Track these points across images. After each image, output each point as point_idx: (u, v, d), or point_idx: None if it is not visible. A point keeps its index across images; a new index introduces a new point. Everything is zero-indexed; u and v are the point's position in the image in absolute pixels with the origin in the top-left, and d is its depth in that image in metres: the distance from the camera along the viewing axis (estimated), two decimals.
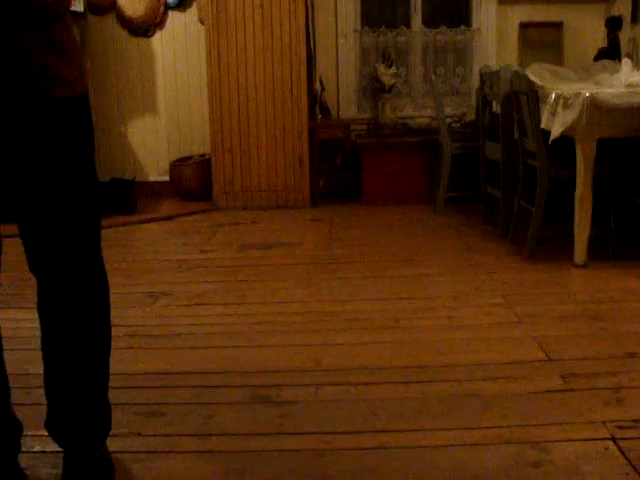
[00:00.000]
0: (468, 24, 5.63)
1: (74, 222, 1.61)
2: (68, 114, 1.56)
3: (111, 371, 2.37)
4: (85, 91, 1.60)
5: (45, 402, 2.02)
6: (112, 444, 1.91)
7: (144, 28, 5.39)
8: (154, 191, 5.57)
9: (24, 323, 2.87)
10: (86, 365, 1.73)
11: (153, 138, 5.57)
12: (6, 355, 2.54)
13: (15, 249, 3.76)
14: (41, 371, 2.39)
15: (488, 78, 4.31)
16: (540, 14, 5.49)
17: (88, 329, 1.70)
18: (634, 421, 1.94)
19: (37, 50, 1.47)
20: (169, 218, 4.90)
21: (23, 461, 1.82)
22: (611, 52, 4.98)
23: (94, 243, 1.67)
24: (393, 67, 5.43)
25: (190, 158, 5.43)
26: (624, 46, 5.02)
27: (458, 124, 5.27)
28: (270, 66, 4.94)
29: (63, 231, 1.60)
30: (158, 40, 5.44)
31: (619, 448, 1.81)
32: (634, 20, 4.97)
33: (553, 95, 3.35)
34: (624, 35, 5.04)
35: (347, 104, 5.59)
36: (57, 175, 1.56)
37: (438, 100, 4.91)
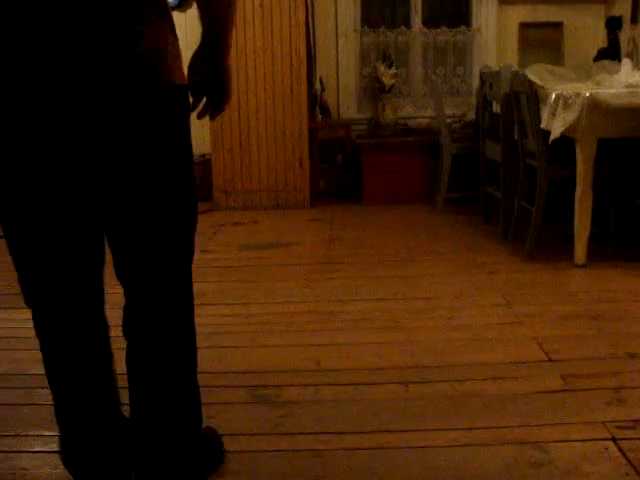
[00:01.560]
0: (468, 24, 5.64)
1: (167, 228, 1.45)
2: (166, 102, 1.39)
3: None
4: (179, 82, 1.42)
5: (44, 402, 2.05)
6: None
7: None
8: None
9: (25, 323, 2.87)
10: (170, 384, 1.55)
11: None
12: (6, 355, 2.55)
13: None
14: (40, 372, 2.39)
15: (488, 78, 4.31)
16: (540, 14, 5.49)
17: (172, 344, 1.52)
18: (634, 421, 1.94)
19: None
20: None
21: (23, 462, 1.83)
22: (611, 52, 4.98)
23: (186, 255, 1.52)
24: (393, 67, 5.43)
25: None
26: (624, 46, 5.02)
27: (458, 124, 5.26)
28: (270, 66, 4.94)
29: (154, 237, 1.44)
30: None
31: (619, 448, 1.80)
32: (634, 20, 4.98)
33: (553, 95, 3.35)
34: (624, 35, 5.04)
35: (347, 104, 5.59)
36: (155, 170, 1.40)
37: (438, 100, 4.91)
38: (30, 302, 1.55)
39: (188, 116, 1.47)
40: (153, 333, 1.50)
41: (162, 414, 1.54)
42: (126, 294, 1.50)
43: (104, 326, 1.59)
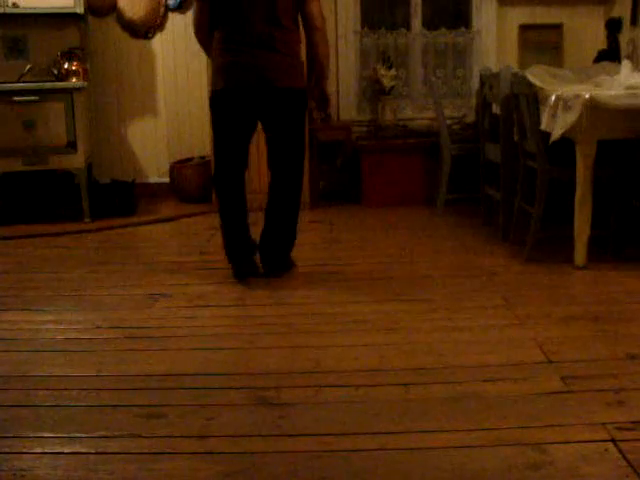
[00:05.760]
0: (468, 26, 5.64)
1: (296, 140, 3.37)
2: (296, 95, 3.30)
3: (111, 373, 2.39)
4: (302, 87, 3.32)
5: (44, 404, 2.12)
6: (113, 445, 1.91)
7: (144, 30, 5.40)
8: (154, 192, 5.57)
9: (24, 325, 2.87)
10: (291, 210, 3.42)
11: (153, 140, 5.58)
12: (6, 356, 2.55)
13: (15, 250, 3.78)
14: (39, 373, 2.42)
15: (488, 80, 4.32)
16: (540, 16, 5.49)
17: (294, 188, 3.40)
18: (634, 423, 1.94)
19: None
20: (169, 220, 4.91)
21: (23, 463, 1.83)
22: (611, 54, 4.98)
23: (303, 153, 3.44)
24: (393, 69, 5.43)
25: (190, 160, 5.44)
26: (624, 48, 5.02)
27: (458, 126, 5.26)
28: None
29: (290, 144, 3.35)
30: (158, 42, 5.44)
31: (619, 450, 1.80)
32: (634, 22, 4.98)
33: (553, 97, 3.35)
34: (624, 37, 5.05)
35: (347, 106, 5.59)
36: (289, 122, 3.32)
37: (438, 102, 4.91)
38: (219, 169, 3.41)
39: (307, 100, 3.35)
40: (288, 178, 3.39)
41: (284, 228, 3.42)
42: (275, 167, 3.40)
43: (244, 185, 3.42)
